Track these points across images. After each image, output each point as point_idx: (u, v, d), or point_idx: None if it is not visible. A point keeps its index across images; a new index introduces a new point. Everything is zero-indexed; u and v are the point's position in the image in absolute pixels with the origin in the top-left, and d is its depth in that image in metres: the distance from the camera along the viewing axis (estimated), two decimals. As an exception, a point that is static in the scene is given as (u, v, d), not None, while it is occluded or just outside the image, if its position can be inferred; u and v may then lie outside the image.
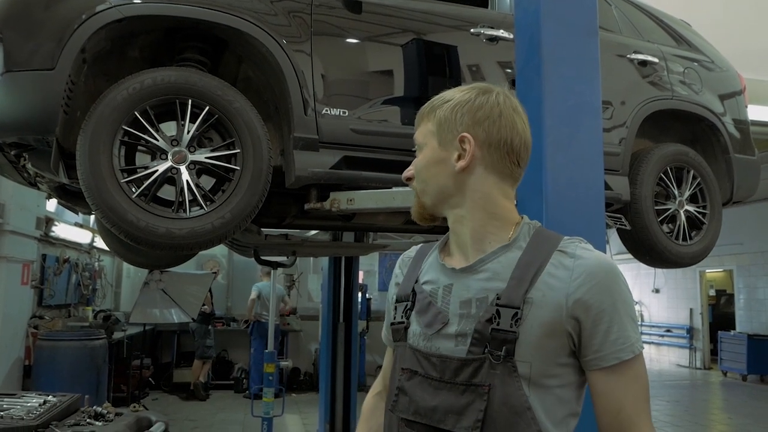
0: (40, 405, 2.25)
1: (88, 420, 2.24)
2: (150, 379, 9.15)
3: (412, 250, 1.38)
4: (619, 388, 1.07)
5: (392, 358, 1.33)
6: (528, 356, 1.06)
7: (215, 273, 9.07)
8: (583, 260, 1.10)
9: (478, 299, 1.12)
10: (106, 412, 2.31)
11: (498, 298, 1.09)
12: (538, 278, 1.09)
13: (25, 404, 2.27)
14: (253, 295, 9.04)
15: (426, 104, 1.26)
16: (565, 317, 1.07)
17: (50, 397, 2.37)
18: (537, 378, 1.07)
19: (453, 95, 1.22)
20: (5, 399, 2.34)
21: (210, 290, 8.59)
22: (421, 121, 1.26)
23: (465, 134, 1.17)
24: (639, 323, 14.73)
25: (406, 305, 1.24)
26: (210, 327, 9.05)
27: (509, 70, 3.03)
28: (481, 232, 1.18)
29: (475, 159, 1.17)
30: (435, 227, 3.52)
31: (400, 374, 1.19)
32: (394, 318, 1.27)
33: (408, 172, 1.28)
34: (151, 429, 2.29)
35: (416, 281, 1.25)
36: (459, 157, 1.18)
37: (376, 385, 1.44)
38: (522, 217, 1.21)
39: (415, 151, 1.27)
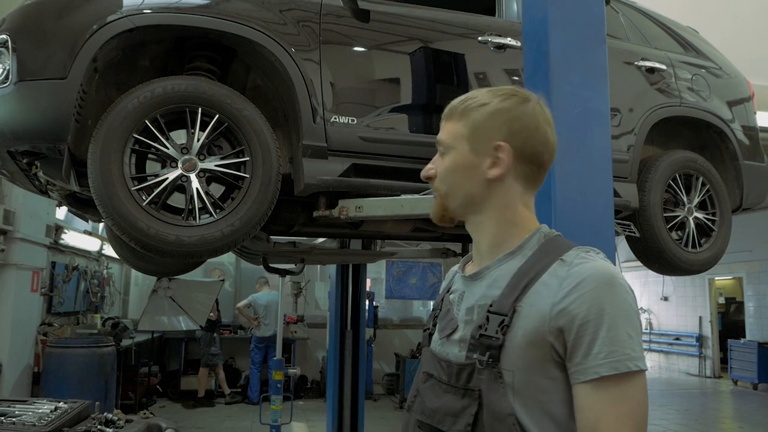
0: (51, 411, 2.26)
1: (98, 426, 2.24)
2: (157, 386, 9.17)
3: (460, 264, 1.39)
4: (597, 406, 1.00)
5: None
6: (511, 365, 1.06)
7: (222, 281, 9.11)
8: (576, 269, 1.06)
9: (479, 306, 1.14)
10: (116, 418, 2.32)
11: (491, 305, 1.11)
12: (531, 287, 1.08)
13: (36, 410, 2.28)
14: (245, 302, 9.17)
15: (456, 102, 1.22)
16: (547, 327, 1.03)
17: (61, 403, 2.38)
18: (521, 388, 1.05)
19: (490, 99, 1.18)
20: (17, 405, 2.35)
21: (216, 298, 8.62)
22: (449, 120, 1.22)
23: (502, 143, 1.15)
24: (648, 331, 14.72)
25: (436, 313, 1.29)
26: (215, 335, 9.07)
27: (516, 78, 3.03)
28: (498, 240, 1.18)
29: (507, 168, 1.16)
30: (444, 235, 3.53)
31: (420, 377, 1.24)
32: (427, 325, 1.33)
33: (429, 171, 1.23)
34: (160, 436, 2.30)
35: (448, 290, 1.29)
36: (491, 165, 1.16)
37: None
38: (540, 226, 1.20)
39: (440, 151, 1.23)
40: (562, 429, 1.05)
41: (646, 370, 1.03)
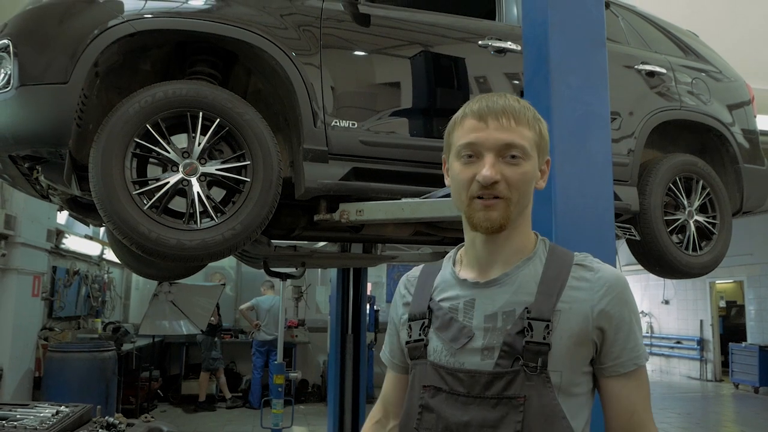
0: (52, 415, 2.26)
1: (100, 430, 2.25)
2: (158, 390, 9.16)
3: (416, 270, 1.37)
4: (633, 392, 1.14)
5: (394, 380, 1.35)
6: (559, 366, 1.10)
7: (223, 285, 9.12)
8: (602, 273, 1.17)
9: (504, 312, 1.14)
10: (117, 422, 2.32)
11: (528, 312, 1.12)
12: (563, 291, 1.14)
13: (38, 414, 2.28)
14: (248, 305, 9.21)
15: (518, 105, 1.18)
16: (591, 327, 1.13)
17: (62, 407, 2.37)
18: (566, 386, 1.11)
19: (536, 113, 1.22)
20: (18, 409, 2.35)
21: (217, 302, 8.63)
22: (521, 124, 1.17)
23: (549, 158, 1.26)
24: (649, 335, 14.73)
25: (423, 323, 1.23)
26: (216, 339, 9.07)
27: (516, 82, 3.04)
28: (521, 246, 1.21)
29: None
30: (444, 239, 3.53)
31: (421, 392, 1.18)
32: (410, 337, 1.25)
33: (497, 175, 1.14)
34: (162, 440, 2.30)
35: (430, 299, 1.25)
36: (541, 177, 1.23)
37: (375, 413, 1.41)
38: (536, 233, 1.26)
39: (513, 155, 1.15)
40: (587, 418, 1.16)
41: None
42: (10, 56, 2.30)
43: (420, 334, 1.23)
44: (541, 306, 1.12)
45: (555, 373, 1.10)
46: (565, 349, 1.11)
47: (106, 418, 2.35)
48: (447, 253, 1.35)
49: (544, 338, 1.09)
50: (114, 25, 2.36)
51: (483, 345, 1.13)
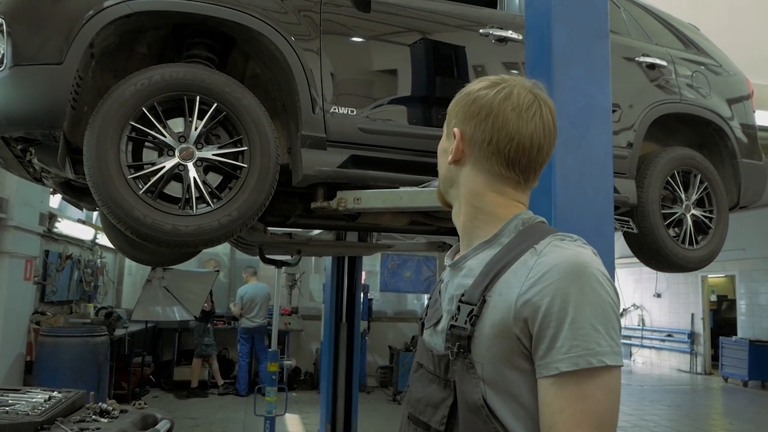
0: (45, 401, 2.24)
1: (93, 416, 2.23)
2: (150, 376, 9.15)
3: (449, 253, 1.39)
4: (555, 403, 0.94)
5: None
6: (480, 356, 1.02)
7: (217, 271, 9.09)
8: (544, 258, 1.00)
9: (456, 296, 1.12)
10: (111, 408, 2.31)
11: (462, 295, 1.09)
12: (501, 276, 1.03)
13: (30, 400, 2.26)
14: (235, 304, 9.27)
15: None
16: (512, 319, 0.98)
17: (55, 393, 2.36)
18: (492, 380, 1.01)
19: (471, 86, 1.20)
20: (10, 394, 2.33)
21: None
22: None
23: (455, 129, 1.17)
24: (640, 327, 14.79)
25: (429, 303, 1.29)
26: (209, 325, 9.07)
27: (516, 72, 3.02)
28: (469, 227, 1.18)
29: (464, 155, 1.16)
30: (440, 228, 3.52)
31: (414, 367, 1.24)
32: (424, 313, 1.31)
33: None
34: (156, 427, 2.28)
35: (441, 280, 1.28)
36: (451, 150, 1.19)
37: None
38: (519, 213, 1.13)
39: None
40: (536, 421, 0.98)
41: (618, 366, 0.96)
42: (3, 35, 2.26)
43: (425, 312, 1.28)
44: (472, 290, 1.06)
45: (478, 364, 1.02)
46: (485, 340, 1.01)
47: (99, 404, 2.33)
48: (442, 243, 1.36)
49: (465, 323, 1.04)
50: (110, 6, 2.32)
51: (442, 327, 1.14)
